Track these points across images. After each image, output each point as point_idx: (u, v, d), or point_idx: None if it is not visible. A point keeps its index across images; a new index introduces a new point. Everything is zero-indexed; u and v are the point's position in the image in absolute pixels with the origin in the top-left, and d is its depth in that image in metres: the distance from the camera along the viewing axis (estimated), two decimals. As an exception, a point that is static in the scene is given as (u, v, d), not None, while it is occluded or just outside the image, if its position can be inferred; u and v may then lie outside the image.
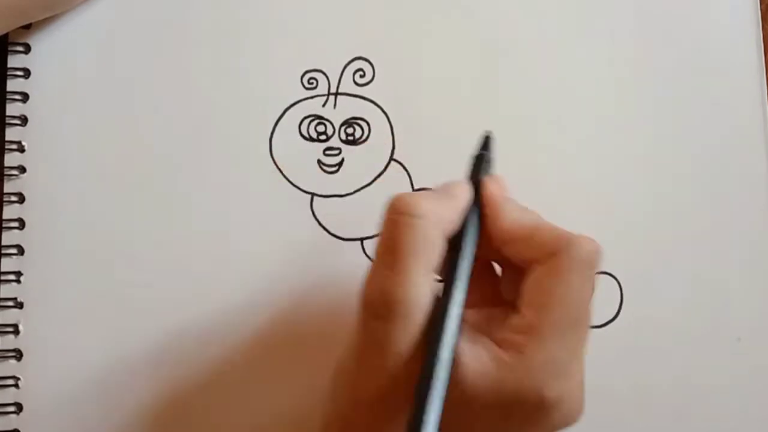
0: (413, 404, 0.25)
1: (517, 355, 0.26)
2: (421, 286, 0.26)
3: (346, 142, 0.37)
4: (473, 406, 0.26)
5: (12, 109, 0.36)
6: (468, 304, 0.27)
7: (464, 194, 0.28)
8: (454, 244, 0.28)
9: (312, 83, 0.37)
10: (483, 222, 0.29)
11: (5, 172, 0.36)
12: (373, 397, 0.27)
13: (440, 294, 0.27)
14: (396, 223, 0.27)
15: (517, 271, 0.28)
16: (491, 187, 0.29)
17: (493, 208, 0.28)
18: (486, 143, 0.31)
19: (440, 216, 0.27)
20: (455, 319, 0.26)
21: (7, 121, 0.36)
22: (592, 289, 0.28)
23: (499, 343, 0.27)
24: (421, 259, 0.26)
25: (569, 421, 0.28)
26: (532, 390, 0.26)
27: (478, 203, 0.29)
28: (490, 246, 0.29)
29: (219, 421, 0.35)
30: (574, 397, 0.27)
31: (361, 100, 0.37)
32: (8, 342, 0.35)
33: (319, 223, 0.36)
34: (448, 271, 0.27)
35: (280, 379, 0.35)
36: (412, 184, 0.37)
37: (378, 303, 0.26)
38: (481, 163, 0.30)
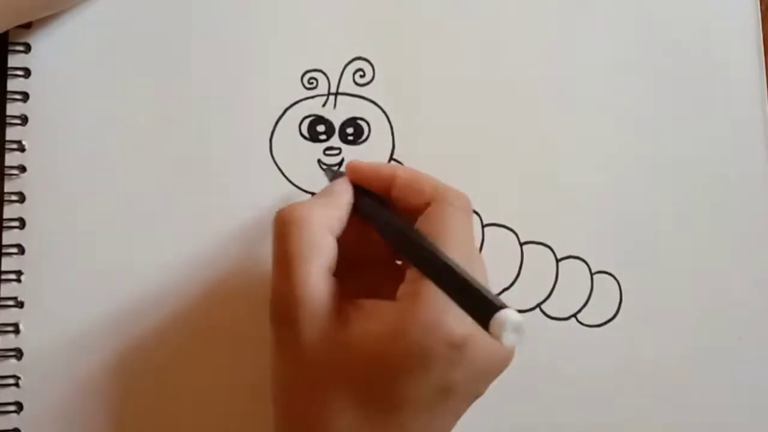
0: None
1: (414, 298, 0.27)
2: (315, 284, 0.28)
3: (346, 142, 0.37)
4: (392, 370, 0.27)
5: (12, 108, 0.36)
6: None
7: (345, 189, 0.31)
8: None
9: (312, 83, 0.37)
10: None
11: (5, 172, 0.36)
12: (294, 394, 0.28)
13: None
14: (282, 233, 0.29)
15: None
16: (359, 165, 0.32)
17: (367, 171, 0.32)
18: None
19: (324, 215, 0.29)
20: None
21: (7, 121, 0.36)
22: (472, 233, 0.30)
23: (398, 299, 0.28)
24: (311, 260, 0.28)
25: (494, 360, 0.28)
26: (435, 326, 0.26)
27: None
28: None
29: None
30: (486, 335, 0.27)
31: (361, 100, 0.37)
32: (8, 341, 0.35)
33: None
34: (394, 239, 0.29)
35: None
36: (412, 184, 0.37)
37: (281, 311, 0.28)
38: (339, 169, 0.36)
